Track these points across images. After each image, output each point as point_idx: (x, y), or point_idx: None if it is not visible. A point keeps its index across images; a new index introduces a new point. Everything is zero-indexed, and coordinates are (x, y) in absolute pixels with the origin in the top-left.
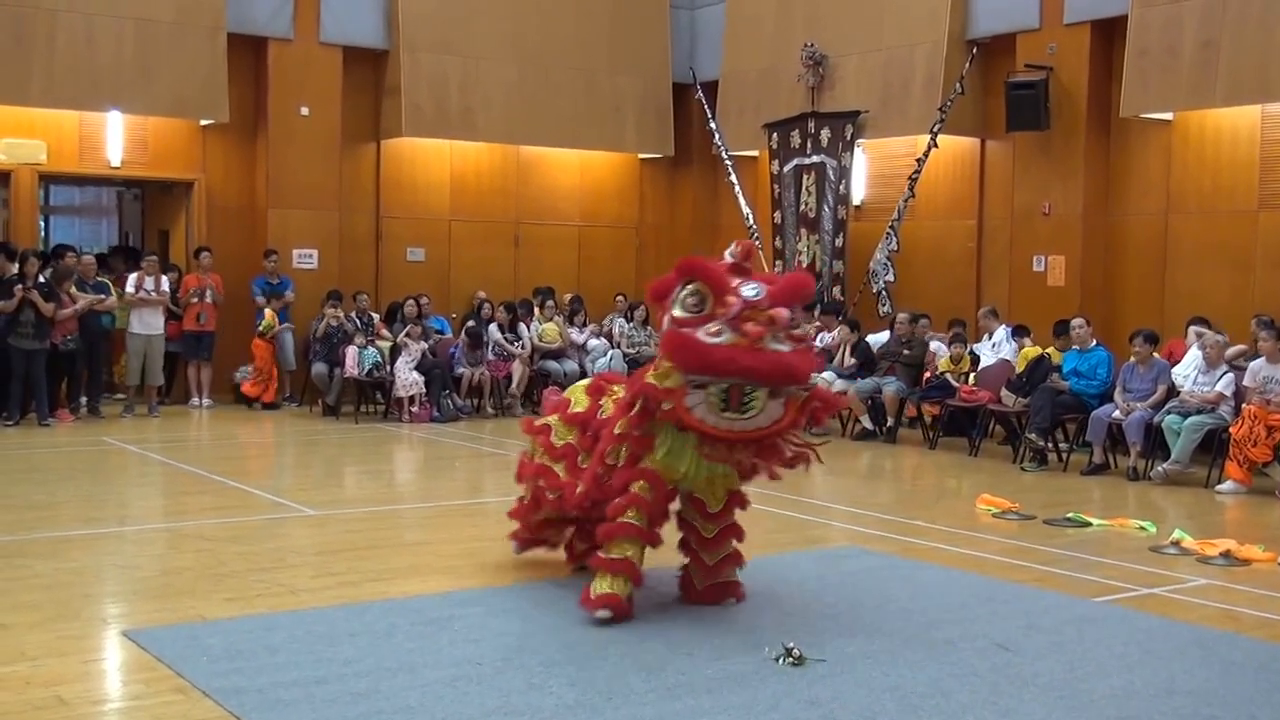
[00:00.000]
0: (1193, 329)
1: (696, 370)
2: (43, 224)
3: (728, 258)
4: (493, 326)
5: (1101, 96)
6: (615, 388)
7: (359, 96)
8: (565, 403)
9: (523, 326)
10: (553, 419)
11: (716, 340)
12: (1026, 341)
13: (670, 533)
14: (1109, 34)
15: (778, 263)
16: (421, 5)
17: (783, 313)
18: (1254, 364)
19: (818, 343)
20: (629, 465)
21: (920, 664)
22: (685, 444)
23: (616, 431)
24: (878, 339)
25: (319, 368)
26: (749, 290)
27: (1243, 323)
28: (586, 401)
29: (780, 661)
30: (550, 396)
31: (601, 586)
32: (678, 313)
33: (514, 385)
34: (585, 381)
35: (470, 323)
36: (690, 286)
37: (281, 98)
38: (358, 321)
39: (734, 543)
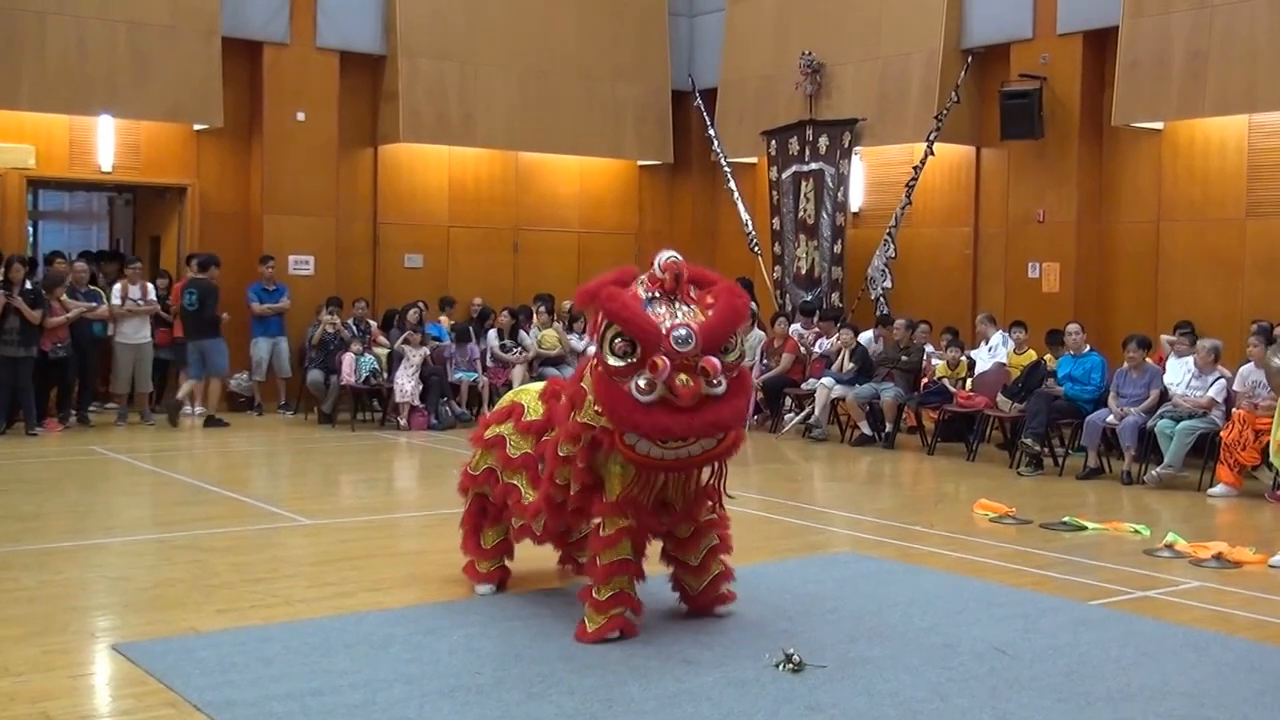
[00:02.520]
0: (1164, 338)
1: (629, 430)
2: (31, 229)
3: (655, 271)
4: (491, 333)
5: (1094, 106)
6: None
7: (356, 102)
8: (519, 410)
9: (523, 333)
10: (506, 428)
11: (648, 399)
12: (1022, 334)
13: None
14: (1100, 44)
15: (776, 268)
16: (419, 10)
17: (714, 363)
18: (1243, 369)
19: (817, 348)
20: (587, 494)
21: (919, 669)
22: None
23: (561, 454)
24: (864, 337)
25: (315, 375)
26: (679, 337)
27: (1233, 328)
28: (541, 409)
29: (780, 668)
30: (509, 404)
31: (596, 622)
32: (609, 359)
33: None
34: (537, 386)
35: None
36: (618, 329)
37: (277, 103)
38: (354, 328)
39: (721, 556)
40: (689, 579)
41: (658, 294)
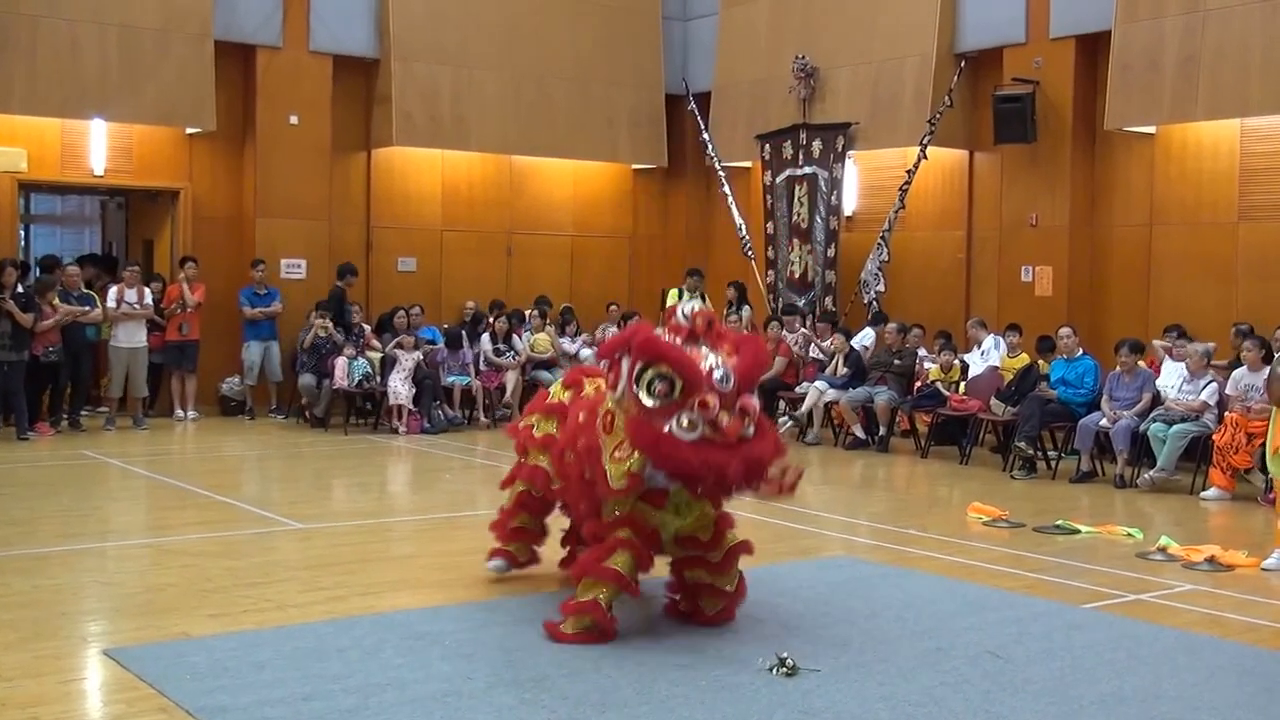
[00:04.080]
0: (1156, 342)
1: (672, 472)
2: (23, 233)
3: (681, 321)
4: (484, 337)
5: (1086, 110)
6: (597, 381)
7: (349, 105)
8: (544, 395)
9: (515, 337)
10: (533, 417)
11: (691, 437)
12: (1015, 338)
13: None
14: (1093, 49)
15: (770, 272)
16: (413, 14)
17: (754, 403)
18: (1236, 372)
19: (811, 352)
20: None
21: (913, 672)
22: (675, 501)
23: (608, 519)
24: (859, 339)
25: (306, 379)
26: (719, 377)
27: (1225, 331)
28: (565, 395)
29: (774, 671)
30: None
31: (573, 626)
32: (645, 400)
33: (508, 395)
34: (562, 379)
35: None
36: (657, 370)
37: (270, 106)
38: (345, 333)
39: (739, 561)
40: (712, 601)
41: (683, 340)
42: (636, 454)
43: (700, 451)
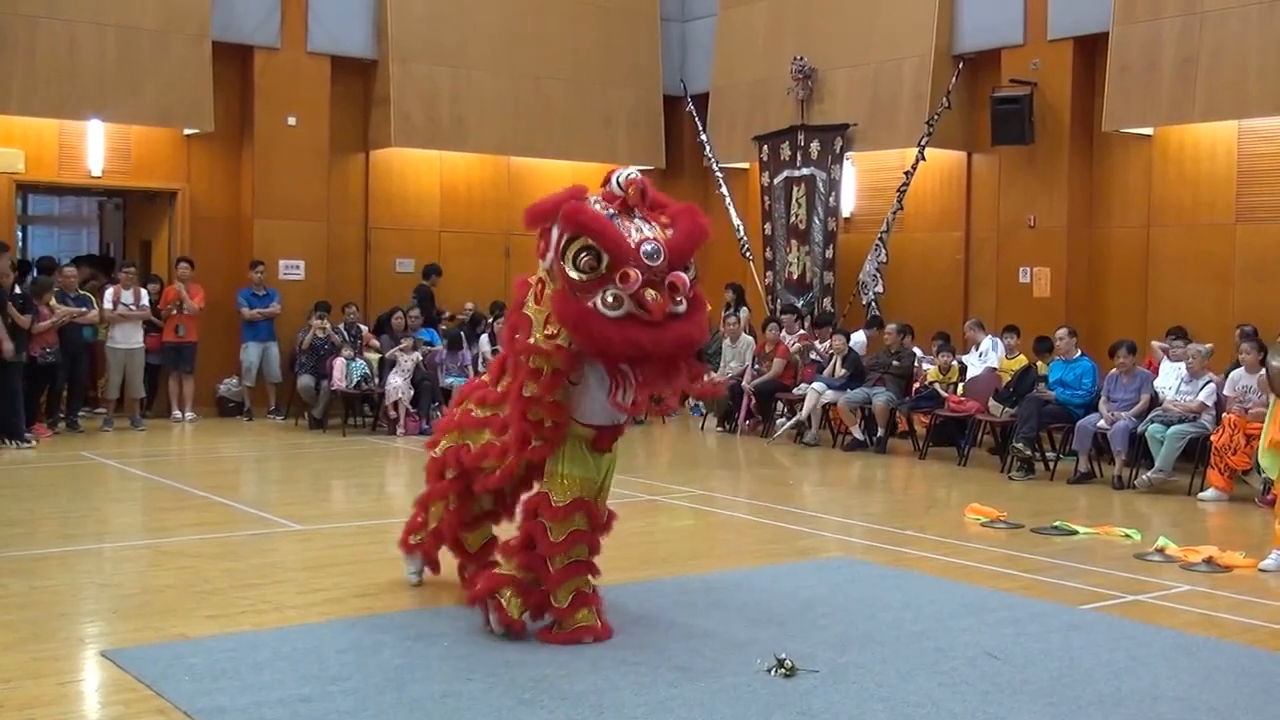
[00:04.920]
0: (1154, 343)
1: (597, 352)
2: (20, 234)
3: (614, 190)
4: (483, 338)
5: (1084, 111)
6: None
7: (347, 106)
8: (470, 387)
9: None
10: (460, 408)
11: (616, 314)
12: (1013, 339)
13: (668, 551)
14: (1091, 50)
15: (768, 273)
16: (411, 15)
17: (683, 278)
18: (1234, 374)
19: (811, 355)
20: (557, 422)
21: (911, 673)
22: (579, 448)
23: (526, 394)
24: (856, 339)
25: (305, 380)
26: (648, 251)
27: (1223, 332)
28: (464, 405)
29: (772, 673)
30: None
31: (564, 627)
32: (571, 273)
33: None
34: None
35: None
36: (583, 243)
37: (268, 107)
38: (345, 333)
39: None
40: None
41: (615, 211)
42: (563, 330)
43: (623, 329)
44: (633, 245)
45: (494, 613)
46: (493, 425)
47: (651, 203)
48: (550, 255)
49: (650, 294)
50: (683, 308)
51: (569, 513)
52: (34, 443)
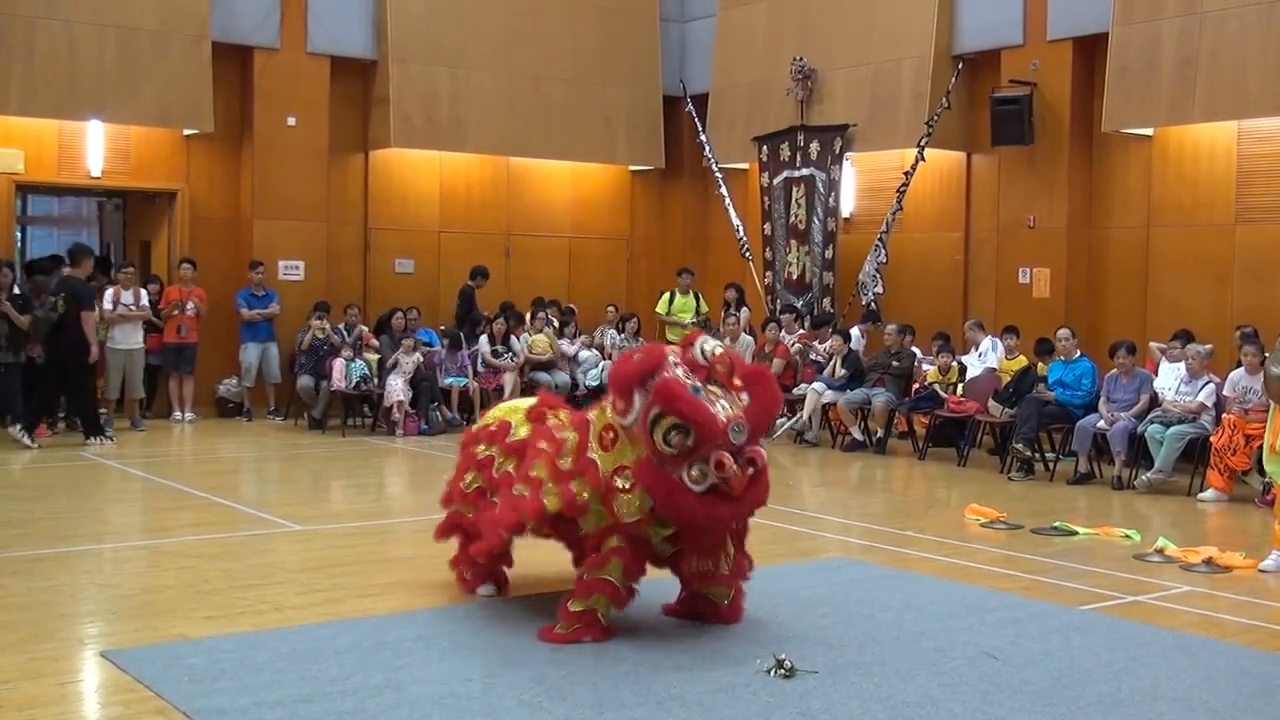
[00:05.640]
0: (1153, 344)
1: (681, 521)
2: (20, 234)
3: (699, 359)
4: (482, 339)
5: (1084, 112)
6: (559, 413)
7: (347, 107)
8: (505, 428)
9: (514, 338)
10: (495, 450)
11: (700, 489)
12: (1013, 340)
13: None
14: (1090, 51)
15: (768, 273)
16: (411, 16)
17: (760, 453)
18: (1234, 374)
19: (810, 355)
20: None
21: (911, 674)
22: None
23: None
24: (852, 334)
25: (304, 381)
26: (736, 431)
27: (1222, 333)
28: (526, 430)
29: (772, 673)
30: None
31: (566, 629)
32: (661, 446)
33: (506, 397)
34: (525, 403)
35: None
36: (674, 421)
37: (267, 108)
38: (344, 334)
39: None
40: (708, 573)
41: (700, 382)
42: (643, 493)
43: (706, 505)
44: (721, 425)
45: (587, 628)
46: (506, 486)
47: (730, 371)
48: (633, 417)
49: (735, 471)
50: (753, 473)
51: (624, 530)
52: (105, 443)
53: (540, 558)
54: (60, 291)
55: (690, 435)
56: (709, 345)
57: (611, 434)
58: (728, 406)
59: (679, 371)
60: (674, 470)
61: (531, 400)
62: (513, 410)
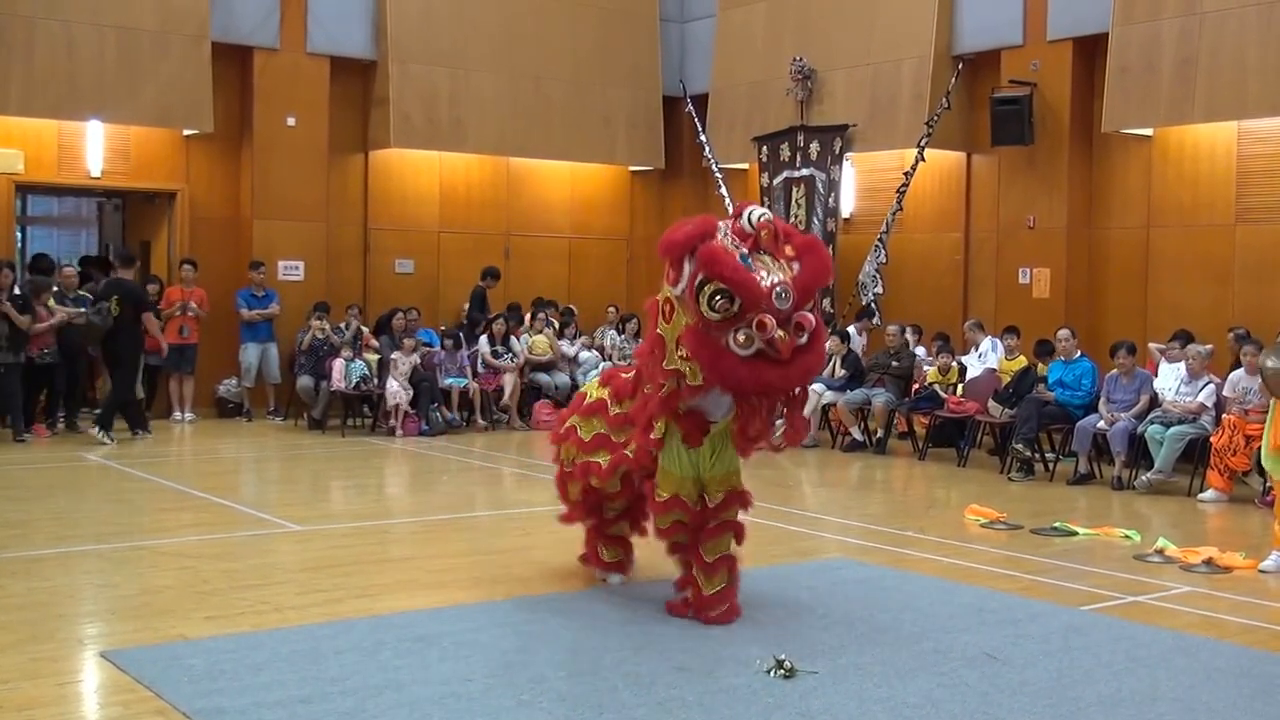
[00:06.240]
0: (1152, 345)
1: (729, 387)
2: (20, 235)
3: (746, 228)
4: (482, 339)
5: (1084, 112)
6: (627, 375)
7: (346, 107)
8: (581, 398)
9: (514, 339)
10: (574, 419)
11: (747, 353)
12: (1013, 340)
13: (659, 551)
14: (1090, 51)
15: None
16: (410, 16)
17: (809, 318)
18: (1233, 375)
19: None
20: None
21: (911, 674)
22: (709, 443)
23: (654, 435)
24: (851, 334)
25: (304, 381)
26: (779, 294)
27: (1222, 333)
28: (602, 392)
29: (772, 674)
30: (540, 412)
31: (713, 585)
32: (706, 313)
33: (506, 398)
34: (596, 379)
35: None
36: (718, 285)
37: (267, 108)
38: (344, 333)
39: (733, 543)
40: (694, 550)
41: (747, 250)
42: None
43: (754, 370)
44: (765, 289)
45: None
46: (604, 446)
47: (780, 235)
48: (682, 285)
49: (780, 334)
50: (805, 340)
51: (668, 507)
52: (108, 442)
53: (541, 558)
54: (112, 294)
55: (735, 301)
56: (756, 214)
57: (670, 306)
58: (775, 273)
59: (726, 240)
60: (720, 336)
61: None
62: (586, 387)
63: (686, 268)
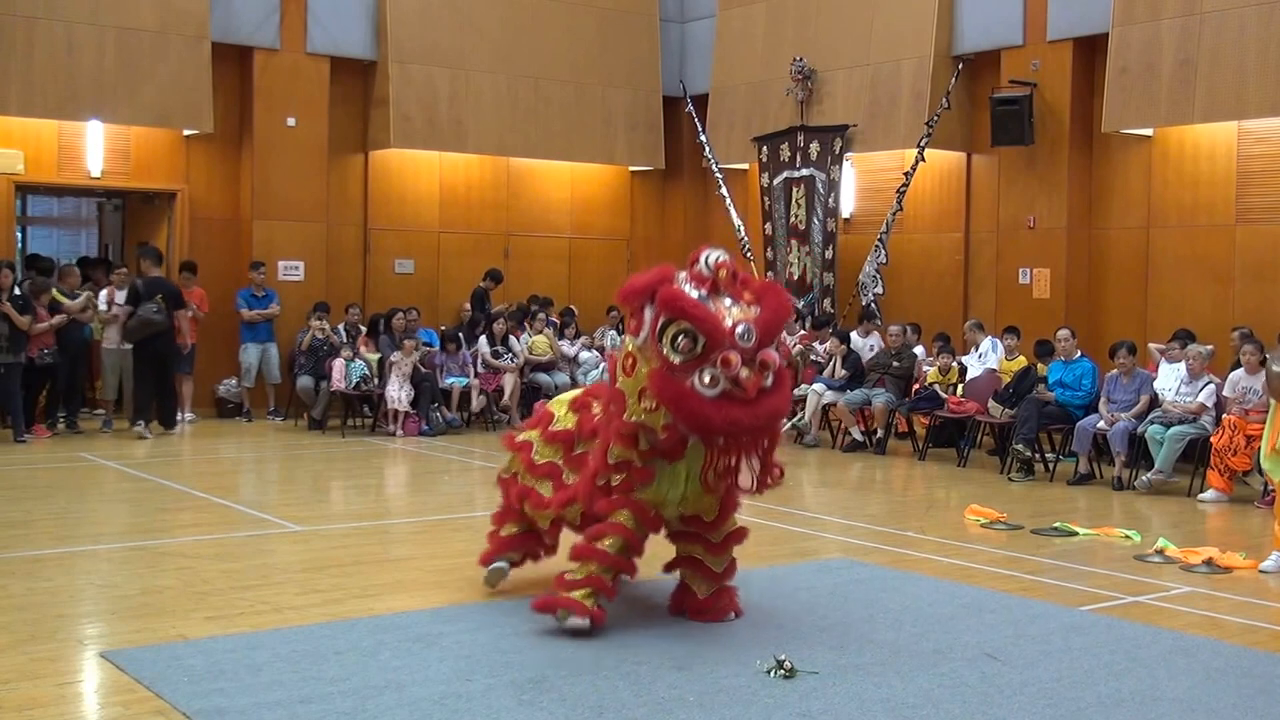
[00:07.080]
0: (1151, 346)
1: (696, 429)
2: (20, 235)
3: (703, 271)
4: (482, 339)
5: (1084, 112)
6: (600, 399)
7: (346, 107)
8: (548, 417)
9: (513, 339)
10: (533, 434)
11: (713, 393)
12: (1013, 340)
13: (658, 550)
14: (1090, 51)
15: (769, 274)
16: (410, 16)
17: (773, 355)
18: (1234, 375)
19: (811, 356)
20: (620, 492)
21: (911, 674)
22: (676, 471)
23: (612, 460)
24: (853, 338)
25: (304, 381)
26: (741, 333)
27: (1223, 333)
28: (571, 420)
29: (772, 674)
30: (540, 409)
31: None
32: (670, 355)
33: (506, 397)
34: (569, 395)
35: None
36: (680, 326)
37: (267, 108)
38: (345, 333)
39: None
40: (704, 583)
41: (706, 292)
42: (662, 408)
43: (721, 409)
44: (727, 328)
45: (571, 611)
46: (551, 476)
47: (738, 281)
48: (644, 334)
49: (744, 373)
50: (770, 381)
51: (621, 505)
52: (146, 434)
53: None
54: (156, 293)
55: (698, 341)
56: (713, 256)
57: (631, 360)
58: (735, 312)
59: (686, 286)
60: (685, 377)
61: (574, 393)
62: (557, 402)
63: (647, 315)
